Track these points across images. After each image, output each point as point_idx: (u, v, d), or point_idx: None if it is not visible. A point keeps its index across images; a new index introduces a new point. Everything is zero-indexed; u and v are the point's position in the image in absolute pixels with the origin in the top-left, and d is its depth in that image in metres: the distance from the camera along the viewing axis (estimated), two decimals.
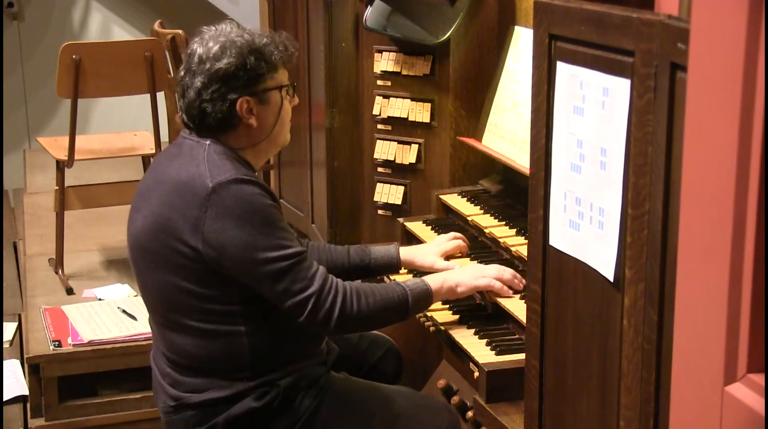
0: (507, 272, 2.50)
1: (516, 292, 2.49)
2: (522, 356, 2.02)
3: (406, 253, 2.71)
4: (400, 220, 3.10)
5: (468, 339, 2.44)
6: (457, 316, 2.57)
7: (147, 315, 3.50)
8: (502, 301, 2.48)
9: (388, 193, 3.31)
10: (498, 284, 2.47)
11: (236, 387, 2.32)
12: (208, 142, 2.32)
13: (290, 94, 2.44)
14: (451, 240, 2.74)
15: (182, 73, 2.35)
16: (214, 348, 2.31)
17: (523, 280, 2.49)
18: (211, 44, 2.31)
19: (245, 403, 2.32)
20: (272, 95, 2.37)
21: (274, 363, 2.35)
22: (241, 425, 2.33)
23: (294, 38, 2.47)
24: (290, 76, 2.46)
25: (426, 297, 2.43)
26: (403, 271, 2.76)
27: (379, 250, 2.70)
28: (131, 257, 2.41)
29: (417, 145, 3.21)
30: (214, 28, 2.38)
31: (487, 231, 2.76)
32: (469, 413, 2.55)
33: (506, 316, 2.49)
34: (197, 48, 2.32)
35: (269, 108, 2.37)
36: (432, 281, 2.45)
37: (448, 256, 2.72)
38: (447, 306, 2.63)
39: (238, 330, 2.30)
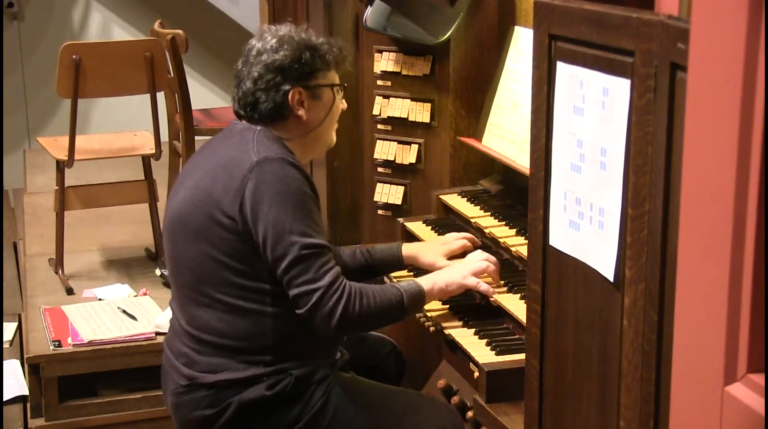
0: (491, 264, 2.54)
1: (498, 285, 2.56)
2: (522, 356, 2.02)
3: (410, 249, 2.73)
4: (400, 220, 3.10)
5: (468, 339, 2.45)
6: (457, 316, 2.57)
7: (147, 315, 3.54)
8: (502, 301, 2.48)
9: (388, 193, 3.31)
10: (484, 286, 2.51)
11: (252, 370, 2.34)
12: (258, 128, 2.41)
13: (340, 95, 2.52)
14: (459, 239, 2.74)
15: (239, 66, 2.46)
16: (238, 325, 2.34)
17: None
18: (269, 38, 2.43)
19: (257, 389, 2.34)
20: (324, 92, 2.47)
21: (292, 352, 2.37)
22: (252, 410, 2.35)
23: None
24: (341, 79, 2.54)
25: (420, 298, 2.46)
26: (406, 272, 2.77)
27: (383, 249, 2.74)
28: (166, 231, 2.45)
29: (417, 145, 3.21)
30: (274, 27, 2.49)
31: (487, 231, 2.76)
32: (469, 413, 2.55)
33: (506, 316, 2.49)
34: (256, 43, 2.45)
35: (321, 104, 2.46)
36: (424, 282, 2.48)
37: (454, 257, 2.72)
38: (447, 306, 2.63)
39: (264, 310, 2.33)
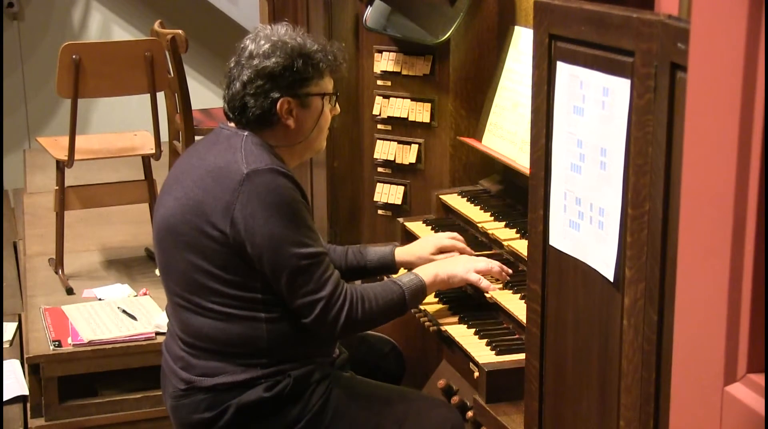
0: (495, 266, 2.55)
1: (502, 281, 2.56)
2: (522, 356, 2.02)
3: (404, 254, 2.71)
4: (400, 220, 3.10)
5: (468, 339, 2.45)
6: (457, 316, 2.57)
7: (147, 315, 3.54)
8: (502, 301, 2.48)
9: (388, 193, 3.31)
10: (486, 283, 2.52)
11: (249, 373, 2.34)
12: (246, 133, 2.38)
13: (332, 103, 2.49)
14: (450, 238, 2.73)
15: (231, 65, 2.41)
16: (232, 331, 2.33)
17: (509, 271, 2.56)
18: (262, 42, 2.38)
19: (256, 391, 2.34)
20: (314, 101, 2.43)
21: (289, 353, 2.37)
22: (252, 412, 2.35)
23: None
24: (335, 85, 2.51)
25: (422, 291, 2.48)
26: (402, 271, 2.76)
27: (376, 253, 2.72)
28: (156, 238, 2.44)
29: (417, 145, 3.21)
30: (269, 27, 2.44)
31: (487, 231, 2.76)
32: (469, 413, 2.55)
33: (506, 315, 2.49)
34: (249, 44, 2.40)
35: (309, 113, 2.42)
36: (425, 274, 2.50)
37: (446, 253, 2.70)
38: (446, 305, 2.63)
39: (257, 316, 2.33)
